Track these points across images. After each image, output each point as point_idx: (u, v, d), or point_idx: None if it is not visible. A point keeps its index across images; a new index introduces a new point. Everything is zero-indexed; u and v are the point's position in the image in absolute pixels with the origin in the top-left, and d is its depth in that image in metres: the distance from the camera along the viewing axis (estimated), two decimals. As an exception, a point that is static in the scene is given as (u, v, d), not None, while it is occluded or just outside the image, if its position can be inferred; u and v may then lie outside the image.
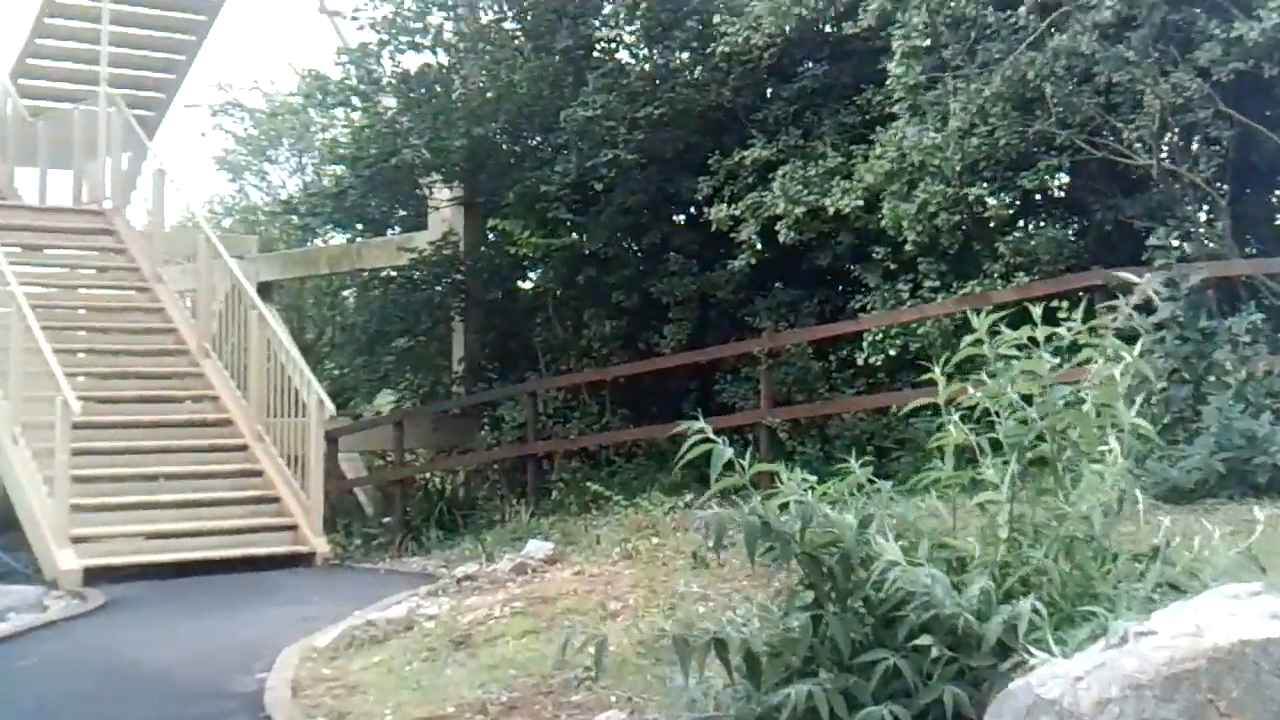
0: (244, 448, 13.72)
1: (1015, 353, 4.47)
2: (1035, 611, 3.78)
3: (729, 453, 4.27)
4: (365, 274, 17.90)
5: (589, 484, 11.99)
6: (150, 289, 15.53)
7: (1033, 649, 3.64)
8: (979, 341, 4.50)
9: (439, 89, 16.66)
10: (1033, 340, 4.45)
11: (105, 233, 16.39)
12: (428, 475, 15.02)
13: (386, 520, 14.38)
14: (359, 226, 17.79)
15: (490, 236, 16.27)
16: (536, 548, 9.89)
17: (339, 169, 21.98)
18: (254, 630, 8.12)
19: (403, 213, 17.83)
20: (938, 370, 4.54)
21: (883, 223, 11.25)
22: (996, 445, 4.47)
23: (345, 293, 19.60)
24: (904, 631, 3.89)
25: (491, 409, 15.24)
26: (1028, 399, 4.43)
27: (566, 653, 5.22)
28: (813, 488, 4.24)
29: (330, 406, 13.07)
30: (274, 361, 13.73)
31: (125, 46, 19.42)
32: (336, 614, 8.42)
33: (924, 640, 3.80)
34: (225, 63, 24.01)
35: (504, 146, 15.70)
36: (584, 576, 7.94)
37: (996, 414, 4.48)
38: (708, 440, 4.32)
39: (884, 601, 4.01)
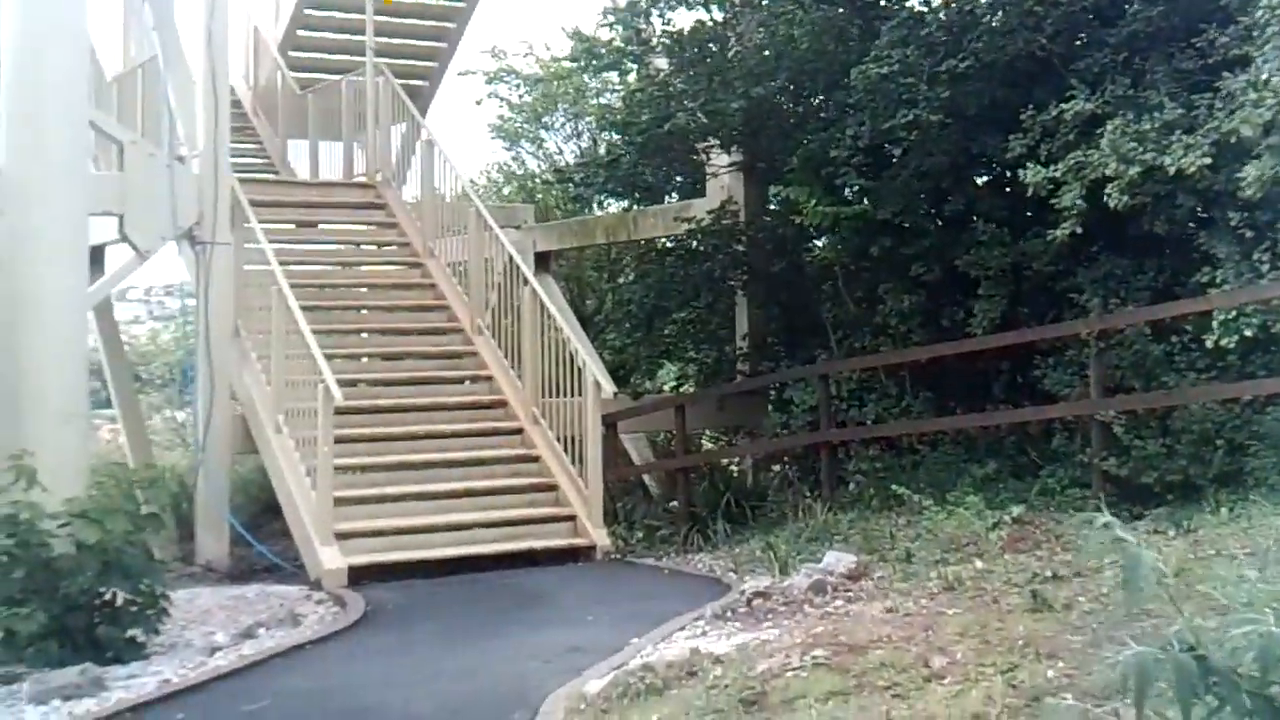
0: (519, 431, 12.96)
1: None
2: None
3: (1149, 559, 2.95)
4: (641, 244, 16.95)
5: (892, 486, 10.69)
6: (422, 264, 14.93)
7: None
8: None
9: (713, 48, 15.52)
10: None
11: (376, 207, 15.87)
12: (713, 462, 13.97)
13: (671, 507, 13.36)
14: (635, 195, 16.80)
15: (772, 204, 15.04)
16: (836, 560, 8.72)
17: (612, 135, 21.26)
18: (518, 663, 7.17)
19: (679, 179, 16.75)
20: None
21: (1243, 183, 9.56)
22: None
23: (623, 263, 18.78)
24: None
25: (778, 390, 14.04)
26: None
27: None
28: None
29: (609, 387, 12.14)
30: (549, 338, 12.92)
31: (394, 15, 18.97)
32: (612, 641, 7.44)
33: None
34: (498, 28, 23.28)
35: (785, 107, 14.42)
36: (897, 616, 6.72)
37: None
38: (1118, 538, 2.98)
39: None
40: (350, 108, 16.75)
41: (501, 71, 21.70)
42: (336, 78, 17.37)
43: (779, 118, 14.29)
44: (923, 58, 12.42)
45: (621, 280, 17.66)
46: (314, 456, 11.23)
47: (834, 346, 13.63)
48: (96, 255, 15.25)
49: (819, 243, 13.90)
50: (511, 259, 13.48)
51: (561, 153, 22.22)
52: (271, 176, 17.34)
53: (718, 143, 15.17)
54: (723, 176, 15.47)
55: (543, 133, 22.02)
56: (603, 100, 21.59)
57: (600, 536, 11.88)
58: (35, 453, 8.75)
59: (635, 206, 16.91)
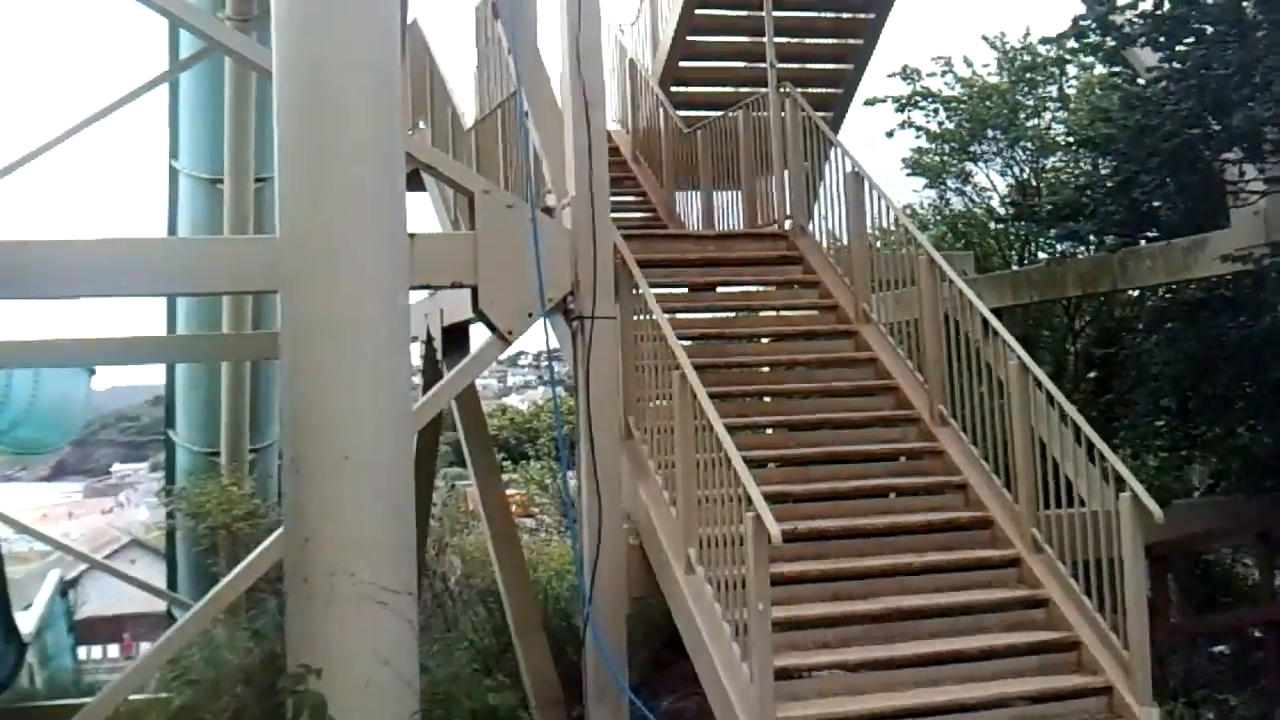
0: (1015, 563, 9.26)
1: None
2: None
3: None
4: (1133, 295, 12.93)
5: None
6: (855, 331, 11.44)
7: None
8: None
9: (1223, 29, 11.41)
10: None
11: (790, 261, 12.50)
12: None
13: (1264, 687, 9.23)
14: (1113, 232, 12.79)
15: None
16: None
17: (1061, 162, 17.32)
18: None
19: (1171, 211, 12.59)
20: None
21: None
22: None
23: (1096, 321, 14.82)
24: None
25: None
26: None
27: None
28: None
29: (1156, 511, 8.28)
30: (1047, 428, 9.26)
31: (794, 35, 15.73)
32: None
33: None
34: (908, 45, 19.63)
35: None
36: None
37: None
38: None
39: None
40: (750, 143, 13.52)
41: (916, 96, 18.06)
42: (726, 113, 14.24)
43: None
44: None
45: (1137, 340, 13.46)
46: (741, 606, 7.87)
47: None
48: (458, 335, 12.51)
49: None
50: (986, 322, 9.85)
51: (994, 187, 18.38)
52: (658, 231, 14.20)
53: (1245, 154, 11.13)
54: (1259, 202, 11.29)
55: (970, 165, 18.20)
56: (1043, 119, 17.66)
57: (1151, 719, 8.07)
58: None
59: (1115, 248, 12.82)
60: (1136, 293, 15.56)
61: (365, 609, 7.28)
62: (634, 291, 9.88)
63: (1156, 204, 11.50)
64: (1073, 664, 8.59)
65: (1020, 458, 9.32)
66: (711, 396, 8.80)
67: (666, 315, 9.65)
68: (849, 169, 11.75)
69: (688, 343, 10.28)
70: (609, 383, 9.67)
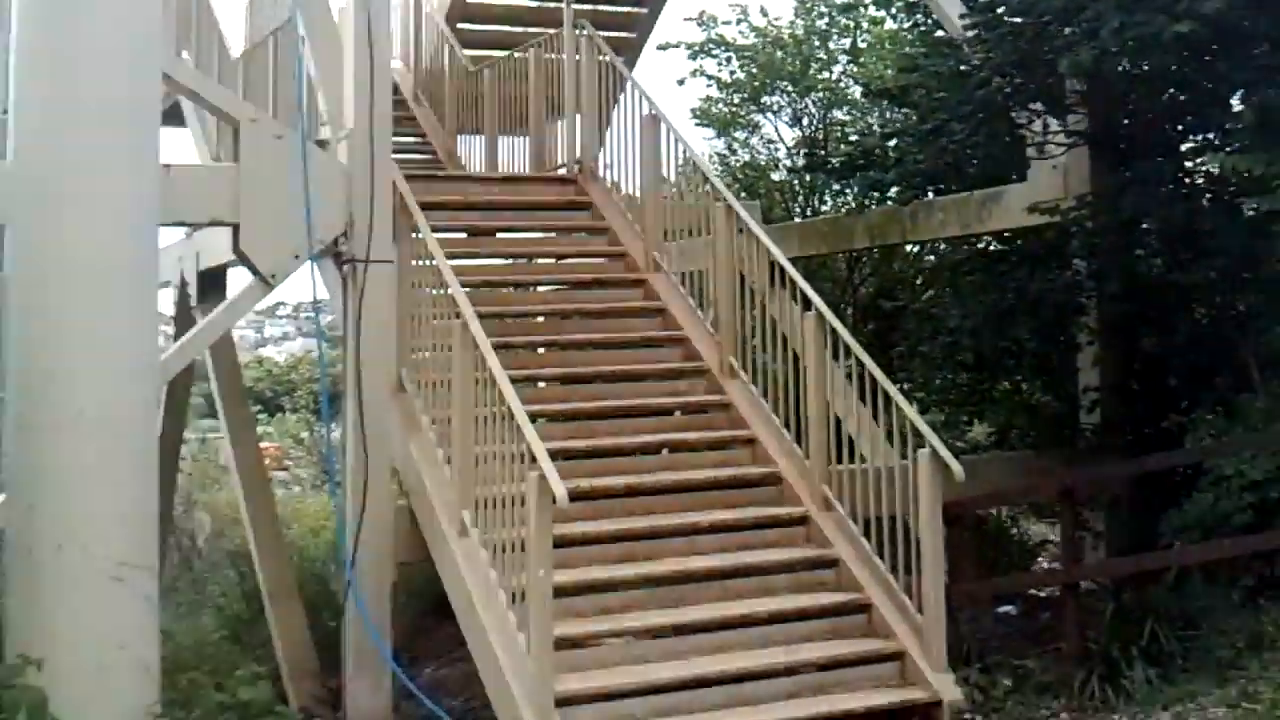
0: (804, 520, 8.94)
1: None
2: None
3: None
4: (923, 248, 12.76)
5: None
6: (644, 280, 10.97)
7: None
8: None
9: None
10: None
11: (579, 207, 11.96)
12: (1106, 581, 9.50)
13: (1058, 650, 8.99)
14: (909, 185, 12.51)
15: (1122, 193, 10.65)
16: None
17: (848, 116, 17.12)
18: None
19: (974, 163, 12.38)
20: None
21: None
22: None
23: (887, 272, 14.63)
24: None
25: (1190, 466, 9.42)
26: None
27: None
28: None
29: (958, 469, 8.02)
30: (839, 384, 8.98)
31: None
32: None
33: None
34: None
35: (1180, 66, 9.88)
36: None
37: None
38: None
39: None
40: (541, 86, 12.90)
41: (709, 43, 17.65)
42: (513, 53, 13.60)
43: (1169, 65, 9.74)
44: None
45: (925, 294, 13.27)
46: (520, 571, 7.36)
47: (1258, 389, 9.28)
48: (214, 280, 11.67)
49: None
50: (783, 270, 9.50)
51: (781, 139, 18.10)
52: (439, 172, 13.47)
53: (1045, 108, 10.95)
54: (1058, 156, 11.11)
55: (759, 115, 17.88)
56: (834, 72, 17.43)
57: (947, 687, 7.85)
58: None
59: (908, 200, 12.52)
60: (918, 247, 15.51)
61: (98, 586, 6.56)
62: (414, 235, 9.23)
63: (968, 153, 11.19)
64: (861, 628, 8.30)
65: (813, 411, 9.00)
66: (493, 348, 8.25)
67: (449, 262, 9.04)
68: (645, 111, 11.21)
69: (467, 290, 9.69)
70: (382, 332, 9.01)
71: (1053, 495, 9.81)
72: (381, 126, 9.06)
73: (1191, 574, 8.68)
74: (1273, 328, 9.27)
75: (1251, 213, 9.29)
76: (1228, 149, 8.11)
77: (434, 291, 8.96)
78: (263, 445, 15.07)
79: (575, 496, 8.17)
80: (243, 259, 8.85)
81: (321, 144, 9.37)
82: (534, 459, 7.26)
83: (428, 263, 9.03)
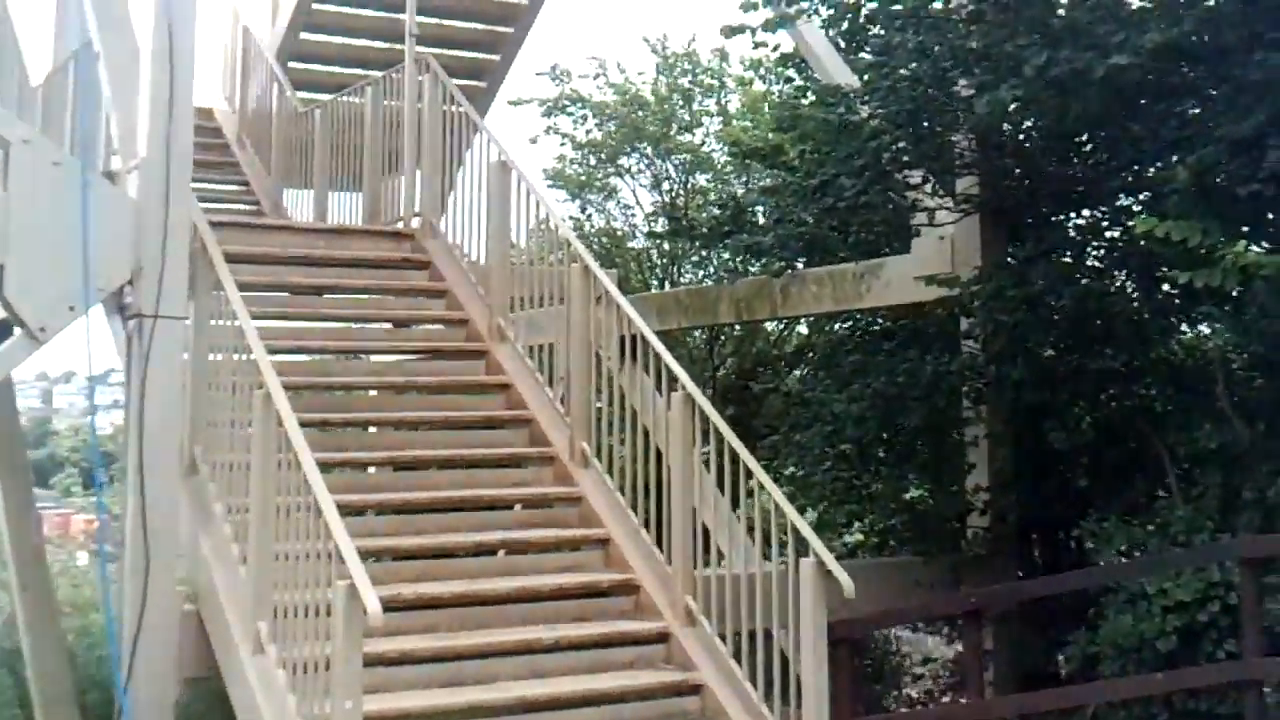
0: (663, 637, 7.67)
1: None
2: None
3: None
4: (788, 326, 11.64)
5: None
6: (487, 352, 9.67)
7: None
8: None
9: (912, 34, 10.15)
10: None
11: (416, 265, 10.63)
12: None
13: None
14: (782, 255, 11.39)
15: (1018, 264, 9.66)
16: None
17: (710, 182, 16.07)
18: None
19: (862, 227, 11.30)
20: None
21: None
22: None
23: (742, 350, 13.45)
24: None
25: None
26: None
27: None
28: None
29: (847, 582, 6.83)
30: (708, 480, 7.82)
31: (432, 15, 13.86)
32: None
33: None
34: (562, 42, 18.04)
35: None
36: None
37: None
38: None
39: None
40: (377, 134, 11.58)
41: (564, 99, 16.49)
42: (347, 93, 12.30)
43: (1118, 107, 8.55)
44: None
45: (801, 377, 12.07)
46: (325, 696, 5.96)
47: (1174, 491, 8.26)
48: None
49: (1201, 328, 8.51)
50: (645, 344, 8.30)
51: (639, 204, 16.98)
52: (256, 221, 11.99)
53: (929, 172, 9.97)
54: (945, 226, 10.09)
55: (616, 178, 16.72)
56: (697, 135, 16.39)
57: None
58: None
59: (782, 273, 11.38)
60: (783, 325, 14.50)
61: None
62: (217, 292, 7.82)
63: (861, 212, 10.08)
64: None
65: (677, 508, 7.77)
66: (306, 425, 6.88)
67: (260, 323, 7.66)
68: (495, 158, 9.94)
69: (281, 358, 8.31)
70: (171, 401, 7.53)
71: (960, 615, 8.64)
72: (180, 157, 7.61)
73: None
74: (1191, 423, 8.27)
75: (1168, 290, 8.39)
76: (1157, 216, 7.11)
77: (237, 357, 7.55)
78: (84, 519, 13.51)
79: (397, 606, 6.95)
80: (6, 308, 7.34)
81: (110, 176, 7.92)
82: (343, 560, 5.89)
83: (230, 323, 7.60)
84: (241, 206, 13.42)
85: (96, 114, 8.08)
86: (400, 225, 11.07)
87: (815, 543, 7.02)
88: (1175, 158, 8.18)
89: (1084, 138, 9.37)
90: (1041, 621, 8.95)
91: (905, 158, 9.59)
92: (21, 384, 8.85)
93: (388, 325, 10.48)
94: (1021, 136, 9.63)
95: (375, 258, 10.64)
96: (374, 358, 10.46)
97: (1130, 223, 8.41)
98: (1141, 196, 9.32)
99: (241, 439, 7.32)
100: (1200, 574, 7.30)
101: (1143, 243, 7.43)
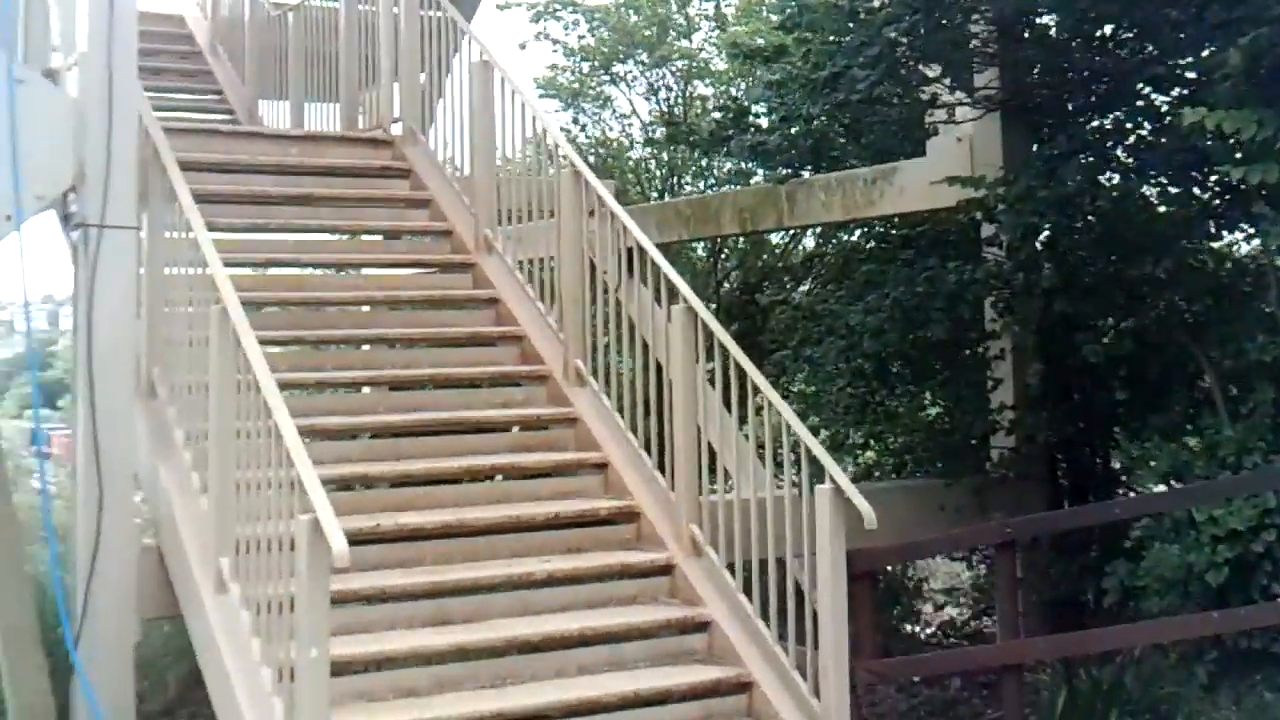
0: (667, 569, 7.04)
1: None
2: None
3: None
4: (793, 237, 10.92)
5: None
6: (474, 265, 8.98)
7: None
8: None
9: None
10: None
11: (396, 174, 9.91)
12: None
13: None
14: (793, 162, 10.66)
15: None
16: None
17: (712, 89, 15.30)
18: None
19: (875, 125, 10.54)
20: None
21: None
22: None
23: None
24: None
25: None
26: None
27: None
28: None
29: (869, 514, 6.18)
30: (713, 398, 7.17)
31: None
32: None
33: None
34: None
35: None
36: None
37: None
38: None
39: None
40: (354, 41, 10.83)
41: (554, 3, 15.66)
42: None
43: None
44: None
45: (811, 290, 11.36)
46: (288, 639, 5.33)
47: (1220, 408, 7.58)
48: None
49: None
50: (642, 256, 7.62)
51: (635, 113, 16.20)
52: (224, 127, 11.27)
53: (944, 70, 9.23)
54: (964, 126, 9.31)
55: (610, 87, 15.92)
56: (694, 40, 15.59)
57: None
58: None
59: (785, 179, 10.64)
60: (788, 236, 13.80)
61: None
62: (173, 202, 7.12)
63: (877, 108, 9.32)
64: (743, 711, 6.44)
65: (680, 429, 7.13)
66: (271, 344, 6.23)
67: (230, 235, 6.98)
68: (478, 57, 9.19)
69: (248, 271, 7.65)
70: (123, 316, 6.87)
71: (991, 547, 7.98)
72: (123, 51, 6.89)
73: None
74: (1234, 335, 7.59)
75: (1211, 193, 7.68)
76: (1208, 105, 6.39)
77: (194, 271, 6.87)
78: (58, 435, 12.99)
79: (376, 539, 6.34)
80: (-70, 217, 6.65)
81: (51, 75, 7.21)
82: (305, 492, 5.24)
83: (185, 235, 6.92)
84: (217, 118, 12.66)
85: (28, 3, 7.31)
86: (379, 132, 10.33)
87: (832, 467, 6.38)
88: (1221, 44, 7.43)
89: (1117, 27, 8.62)
90: (1072, 548, 8.31)
91: (921, 48, 8.85)
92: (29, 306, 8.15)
93: (370, 236, 9.80)
94: (1047, 23, 8.88)
95: (352, 165, 9.90)
96: (353, 271, 9.77)
97: (1168, 118, 7.68)
98: (1175, 92, 8.62)
99: (202, 359, 6.65)
100: (1254, 500, 6.66)
101: (1190, 138, 6.69)
